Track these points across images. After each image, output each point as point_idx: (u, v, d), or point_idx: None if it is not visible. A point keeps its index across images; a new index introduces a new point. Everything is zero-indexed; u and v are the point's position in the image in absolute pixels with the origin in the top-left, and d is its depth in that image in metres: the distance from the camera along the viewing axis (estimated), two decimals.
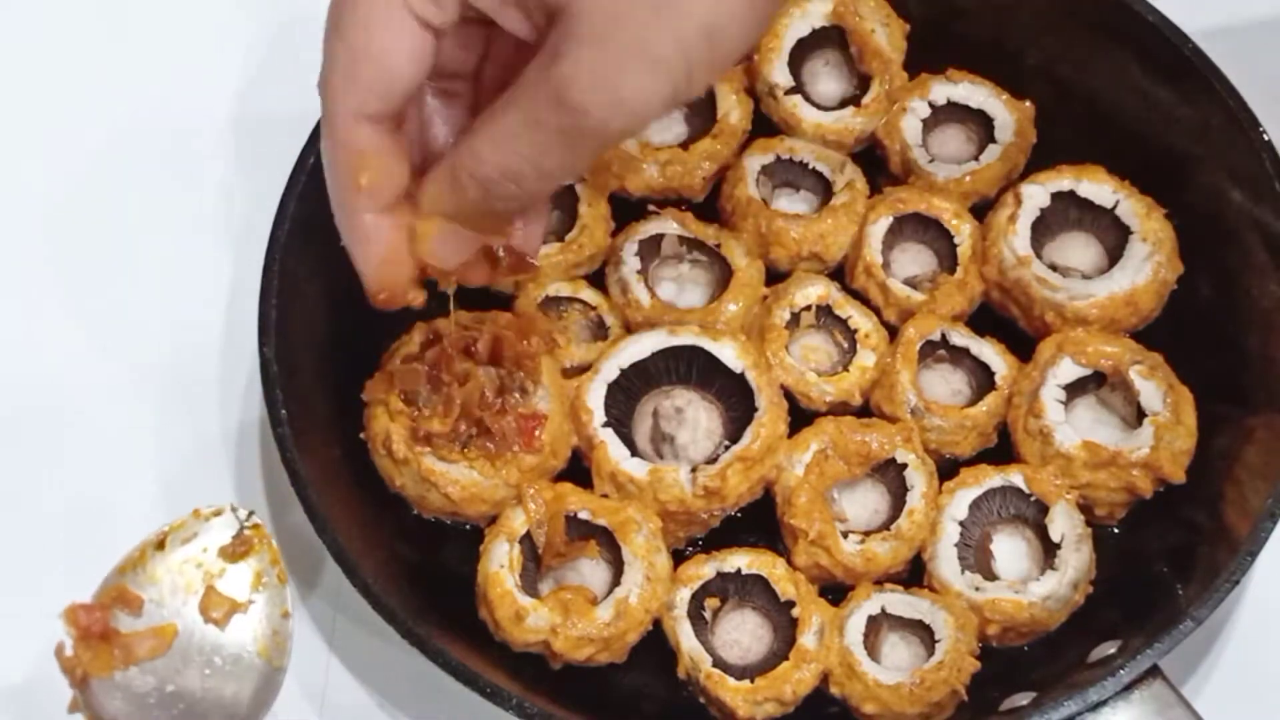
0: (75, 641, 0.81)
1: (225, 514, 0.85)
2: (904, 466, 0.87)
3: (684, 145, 0.97)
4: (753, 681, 0.82)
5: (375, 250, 0.74)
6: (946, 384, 0.92)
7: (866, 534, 0.86)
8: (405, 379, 0.86)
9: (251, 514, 0.84)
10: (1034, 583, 0.85)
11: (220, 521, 0.85)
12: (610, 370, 0.89)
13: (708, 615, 0.85)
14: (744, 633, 0.85)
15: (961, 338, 0.92)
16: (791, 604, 0.84)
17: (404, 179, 0.73)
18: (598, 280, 0.94)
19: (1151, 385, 0.88)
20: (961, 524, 0.87)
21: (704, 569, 0.85)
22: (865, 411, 0.91)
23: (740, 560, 0.85)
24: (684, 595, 0.84)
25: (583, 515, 0.85)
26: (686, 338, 0.89)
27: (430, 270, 0.76)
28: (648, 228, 0.94)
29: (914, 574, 0.87)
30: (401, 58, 0.69)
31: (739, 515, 0.88)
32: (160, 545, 0.84)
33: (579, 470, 0.88)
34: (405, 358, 0.87)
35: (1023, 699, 0.81)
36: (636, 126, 0.69)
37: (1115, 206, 0.93)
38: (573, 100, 0.67)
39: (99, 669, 0.81)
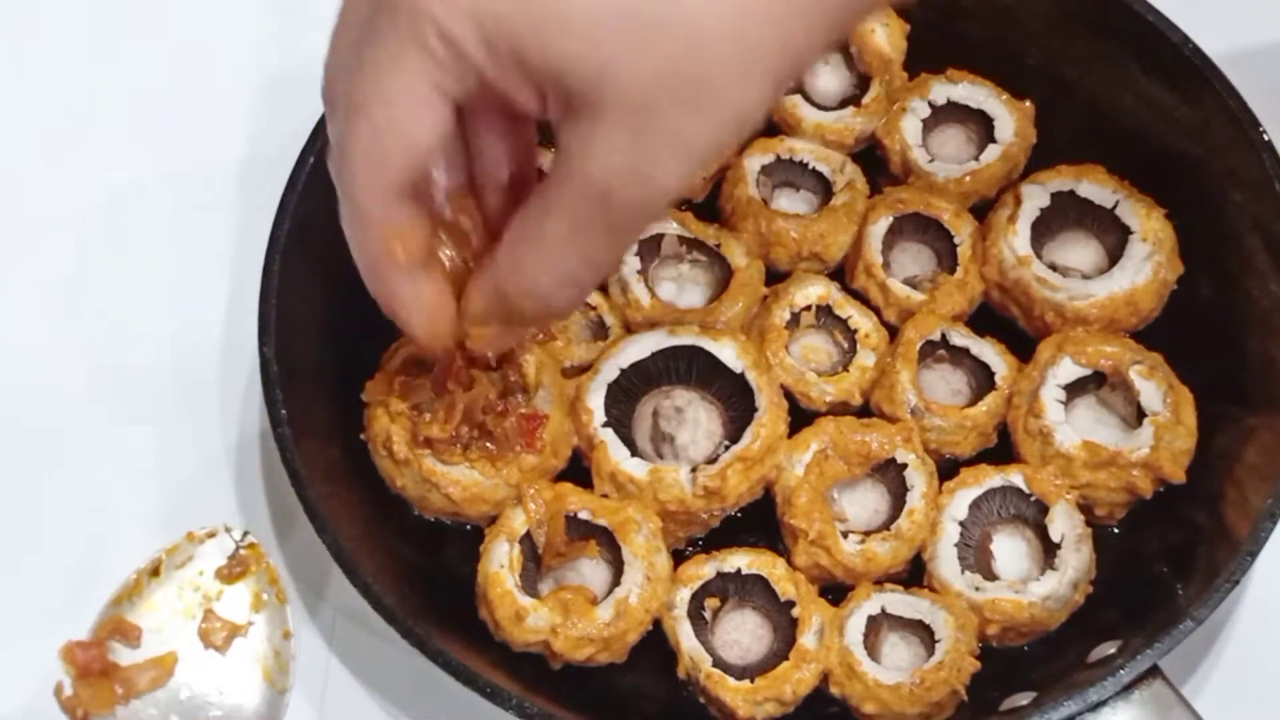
0: (74, 680, 0.81)
1: (219, 535, 0.84)
2: (904, 466, 0.87)
3: None
4: (753, 681, 0.82)
5: (423, 313, 0.74)
6: (946, 384, 0.92)
7: (866, 534, 0.86)
8: (411, 393, 0.85)
9: (246, 534, 0.84)
10: (1034, 583, 0.85)
11: (215, 543, 0.85)
12: (610, 370, 0.89)
13: (708, 615, 0.85)
14: (744, 633, 0.85)
15: (961, 338, 0.92)
16: (791, 604, 0.84)
17: (431, 241, 0.73)
18: None
19: (1151, 385, 0.88)
20: (961, 524, 0.87)
21: (704, 569, 0.85)
22: (865, 411, 0.91)
23: (740, 560, 0.85)
24: (684, 595, 0.84)
25: (583, 515, 0.85)
26: (686, 338, 0.89)
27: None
28: (648, 228, 0.94)
29: (914, 574, 0.87)
30: (426, 131, 0.68)
31: (739, 515, 0.88)
32: (155, 572, 0.84)
33: (579, 470, 0.88)
34: (405, 361, 0.87)
35: (1023, 699, 0.81)
36: (670, 203, 0.70)
37: (1115, 206, 0.93)
38: (616, 198, 0.67)
39: (100, 706, 0.81)
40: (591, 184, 0.67)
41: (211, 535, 0.85)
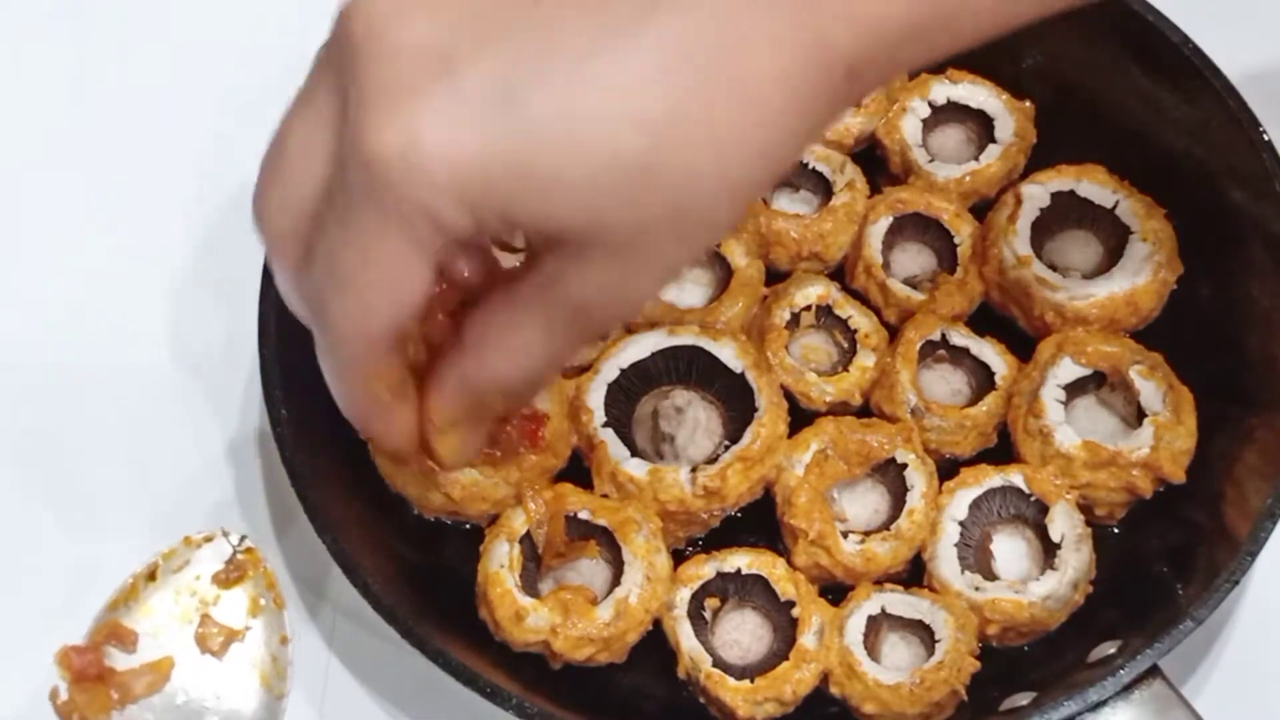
0: (70, 685, 0.80)
1: (216, 539, 0.84)
2: (904, 466, 0.87)
3: None
4: (753, 681, 0.82)
5: (400, 436, 0.73)
6: (946, 384, 0.92)
7: (866, 534, 0.86)
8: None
9: (244, 538, 0.84)
10: (1034, 583, 0.85)
11: (211, 547, 0.85)
12: (610, 370, 0.89)
13: (708, 615, 0.85)
14: (744, 633, 0.85)
15: (961, 338, 0.92)
16: (791, 604, 0.84)
17: (404, 365, 0.72)
18: None
19: (1151, 385, 0.88)
20: (961, 524, 0.87)
21: (704, 569, 0.85)
22: (865, 411, 0.91)
23: (740, 560, 0.85)
24: (684, 595, 0.84)
25: (583, 515, 0.85)
26: (686, 338, 0.89)
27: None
28: None
29: (914, 574, 0.87)
30: (412, 293, 0.66)
31: (739, 515, 0.88)
32: (151, 576, 0.84)
33: (579, 470, 0.88)
34: None
35: (1023, 699, 0.81)
36: (642, 310, 0.74)
37: (1115, 206, 0.93)
38: (592, 315, 0.67)
39: (96, 711, 0.80)
40: (570, 303, 0.67)
41: (209, 540, 0.85)
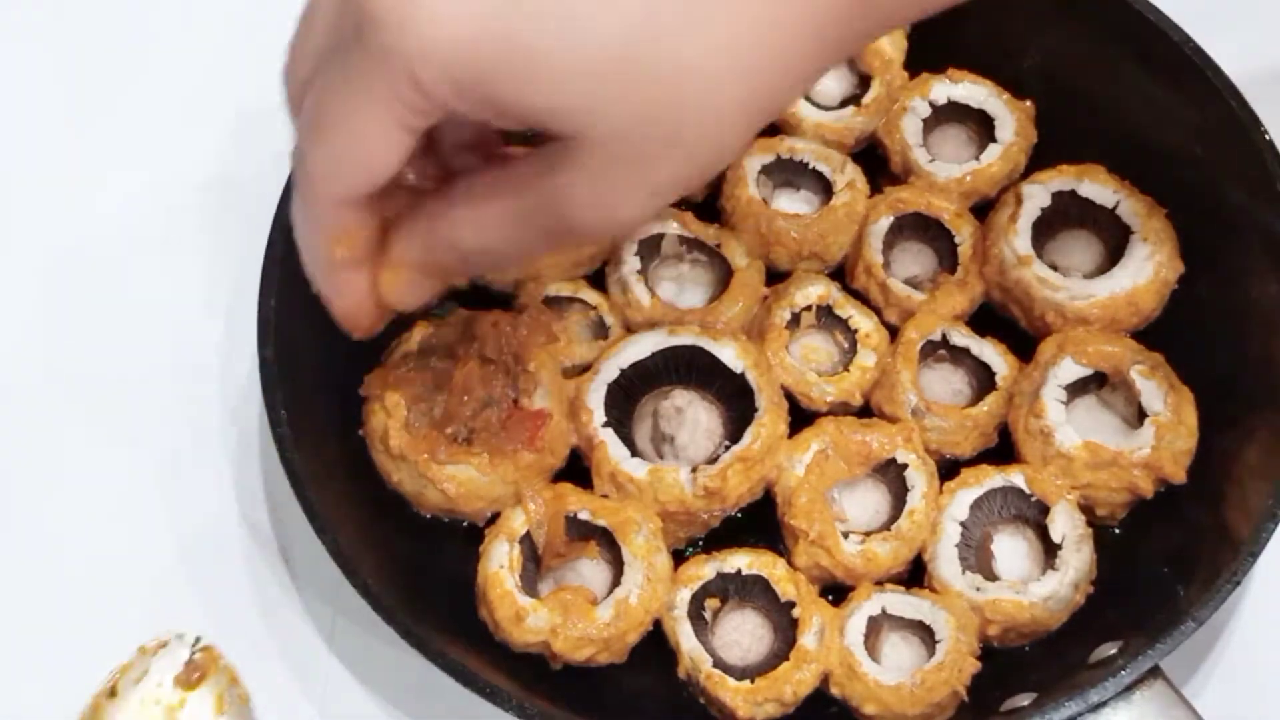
0: None
1: (171, 643, 0.84)
2: (904, 467, 0.87)
3: None
4: (753, 682, 0.82)
5: (347, 302, 0.76)
6: (947, 384, 0.92)
7: (867, 534, 0.86)
8: (409, 384, 0.86)
9: (199, 638, 0.84)
10: (1035, 583, 0.84)
11: (167, 652, 0.85)
12: (610, 370, 0.89)
13: (708, 615, 0.85)
14: (744, 633, 0.85)
15: (962, 338, 0.91)
16: (792, 604, 0.84)
17: (373, 239, 0.74)
18: (598, 280, 0.94)
19: (1152, 385, 0.88)
20: (962, 524, 0.86)
21: (704, 569, 0.85)
22: (866, 411, 0.91)
23: (740, 560, 0.85)
24: (684, 595, 0.84)
25: (583, 515, 0.85)
26: (686, 338, 0.89)
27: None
28: (648, 228, 0.94)
29: (914, 574, 0.87)
30: (385, 159, 0.69)
31: (739, 515, 0.88)
32: (112, 693, 0.84)
33: (579, 470, 0.88)
34: (405, 355, 0.87)
35: (1024, 699, 0.81)
36: (619, 234, 0.72)
37: (1116, 206, 0.93)
38: (569, 214, 0.68)
39: None
40: (550, 200, 0.68)
41: (163, 645, 0.85)
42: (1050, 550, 0.86)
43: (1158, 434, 0.86)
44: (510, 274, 0.92)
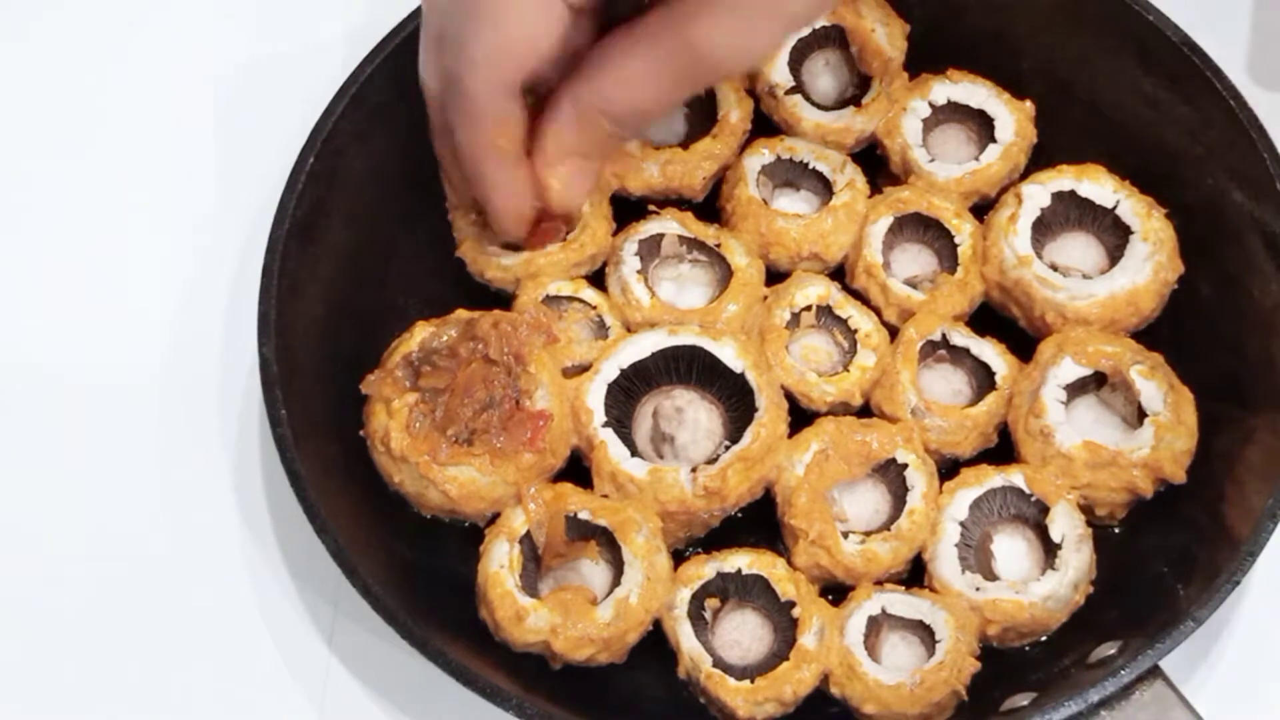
0: None
1: None
2: (904, 466, 0.87)
3: (684, 145, 0.97)
4: (753, 682, 0.82)
5: (507, 198, 0.81)
6: (947, 384, 0.92)
7: (867, 534, 0.86)
8: (406, 384, 0.86)
9: None
10: (1034, 583, 0.85)
11: None
12: (610, 370, 0.89)
13: (708, 615, 0.85)
14: (744, 633, 0.85)
15: (962, 338, 0.92)
16: (792, 604, 0.84)
17: (525, 132, 0.79)
18: (598, 280, 0.94)
19: (1152, 385, 0.88)
20: (962, 524, 0.87)
21: (704, 569, 0.85)
22: (866, 411, 0.91)
23: (740, 560, 0.85)
24: (684, 595, 0.84)
25: (583, 515, 0.85)
26: (686, 338, 0.89)
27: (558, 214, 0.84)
28: (648, 228, 0.94)
29: (914, 574, 0.87)
30: (546, 39, 0.74)
31: (739, 515, 0.88)
32: None
33: (579, 470, 0.88)
34: (404, 358, 0.87)
35: (1023, 699, 0.81)
36: (753, 66, 0.77)
37: (1116, 206, 0.93)
38: (706, 52, 0.72)
39: None
40: (691, 46, 0.72)
41: None
42: (1050, 550, 0.86)
43: (1157, 434, 0.86)
44: (512, 272, 0.93)
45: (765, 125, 0.99)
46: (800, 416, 0.90)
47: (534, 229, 0.88)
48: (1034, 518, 0.87)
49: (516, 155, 0.79)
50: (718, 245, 0.93)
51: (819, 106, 0.98)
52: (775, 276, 0.94)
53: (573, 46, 0.79)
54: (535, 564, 0.85)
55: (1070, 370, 0.89)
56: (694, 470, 0.86)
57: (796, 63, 0.99)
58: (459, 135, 0.79)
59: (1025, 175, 0.96)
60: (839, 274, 0.95)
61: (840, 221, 0.94)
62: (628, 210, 0.96)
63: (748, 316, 0.92)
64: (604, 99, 0.76)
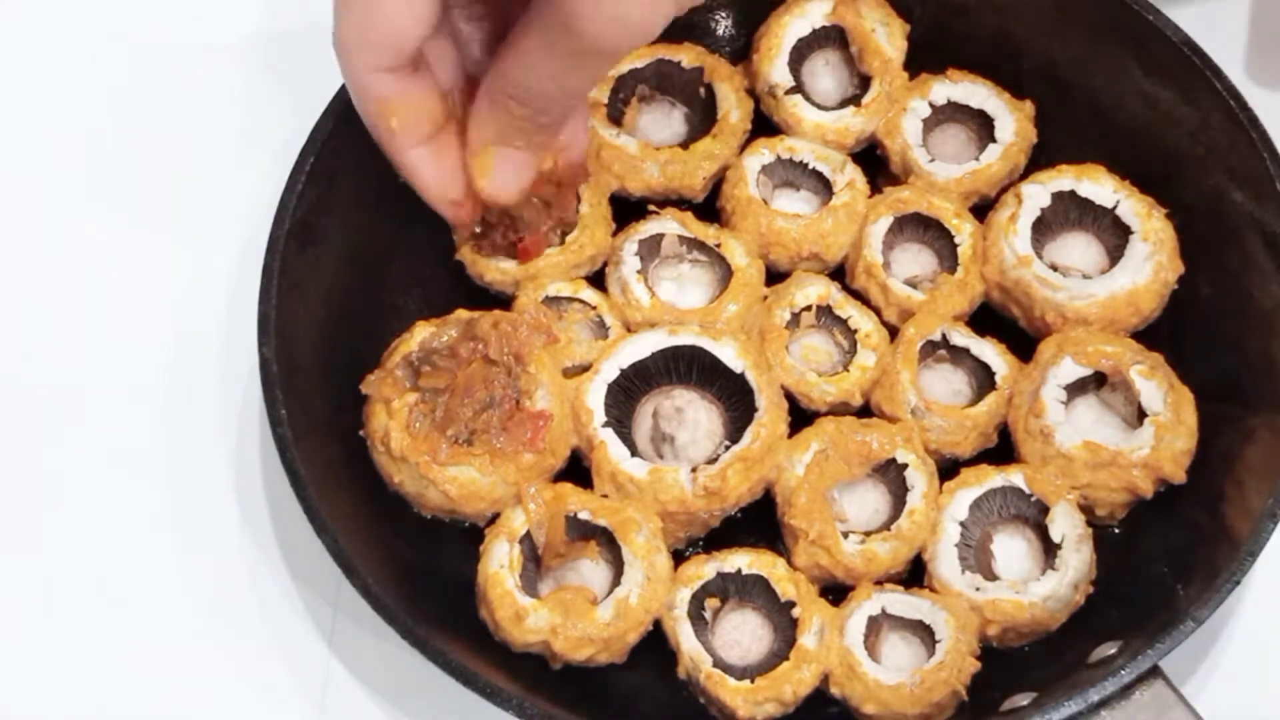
0: None
1: None
2: (904, 466, 0.87)
3: (684, 145, 0.97)
4: (753, 682, 0.82)
5: (427, 180, 0.80)
6: (947, 384, 0.92)
7: (867, 534, 0.86)
8: (454, 413, 0.86)
9: None
10: (1034, 583, 0.85)
11: None
12: (610, 370, 0.89)
13: (708, 615, 0.85)
14: (744, 633, 0.85)
15: (962, 338, 0.92)
16: (792, 604, 0.84)
17: (436, 112, 0.79)
18: (598, 280, 0.94)
19: (1152, 385, 0.88)
20: (962, 524, 0.87)
21: (704, 569, 0.85)
22: (866, 411, 0.91)
23: (740, 560, 0.85)
24: (684, 595, 0.84)
25: (583, 515, 0.85)
26: (686, 338, 0.89)
27: (492, 204, 0.82)
28: (648, 228, 0.94)
29: (914, 574, 0.87)
30: (408, 20, 0.74)
31: (739, 515, 0.88)
32: None
33: (579, 470, 0.88)
34: (405, 358, 0.87)
35: (1023, 699, 0.81)
36: (642, 41, 0.74)
37: (1116, 206, 0.93)
38: (579, 27, 0.71)
39: None
40: (566, 21, 0.72)
41: None
42: (1050, 550, 0.86)
43: (1157, 434, 0.86)
44: (512, 274, 0.93)
45: (765, 125, 0.99)
46: (800, 416, 0.90)
47: (522, 247, 0.88)
48: (1034, 518, 0.87)
49: (419, 137, 0.79)
50: (718, 245, 0.93)
51: (819, 106, 0.98)
52: (775, 276, 0.94)
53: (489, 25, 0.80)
54: (535, 564, 0.85)
55: (1070, 370, 0.89)
56: (694, 470, 0.86)
57: (796, 63, 0.99)
58: (364, 123, 0.79)
59: (1025, 175, 0.96)
60: (839, 274, 0.95)
61: (840, 221, 0.94)
62: (628, 210, 0.96)
63: (748, 316, 0.92)
64: (508, 83, 0.76)
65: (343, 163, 0.92)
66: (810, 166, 0.96)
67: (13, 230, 1.02)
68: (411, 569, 0.86)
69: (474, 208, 0.82)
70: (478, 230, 0.91)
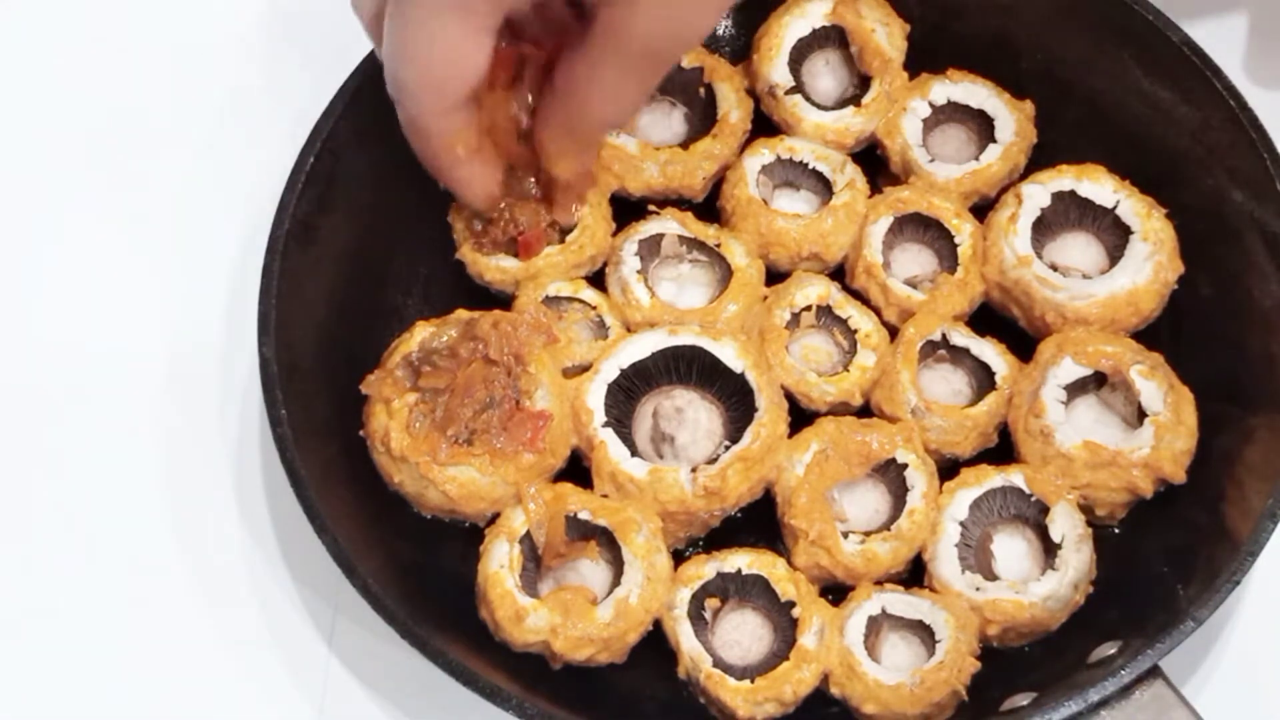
0: None
1: None
2: (904, 466, 0.87)
3: (684, 145, 0.97)
4: (753, 682, 0.82)
5: (471, 190, 0.86)
6: (947, 384, 0.92)
7: (867, 534, 0.86)
8: (453, 413, 0.86)
9: None
10: (1034, 583, 0.85)
11: None
12: (610, 370, 0.89)
13: (708, 615, 0.85)
14: (744, 633, 0.85)
15: (962, 338, 0.92)
16: (792, 604, 0.84)
17: (480, 126, 0.83)
18: (598, 280, 0.94)
19: (1152, 385, 0.88)
20: (962, 524, 0.86)
21: (704, 569, 0.85)
22: (866, 411, 0.91)
23: (740, 560, 0.85)
24: (684, 595, 0.84)
25: (583, 515, 0.85)
26: (686, 338, 0.89)
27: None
28: (648, 228, 0.94)
29: (914, 574, 0.87)
30: (474, 61, 0.77)
31: (739, 515, 0.88)
32: None
33: (579, 470, 0.88)
34: (404, 358, 0.87)
35: (1023, 699, 0.81)
36: (695, 43, 0.85)
37: (1116, 206, 0.93)
38: (656, 50, 0.77)
39: None
40: (635, 42, 0.77)
41: None
42: (1050, 550, 0.86)
43: (1157, 434, 0.86)
44: (512, 274, 0.93)
45: (765, 125, 0.99)
46: (800, 416, 0.90)
47: (523, 241, 0.91)
48: (1034, 518, 0.87)
49: (474, 152, 0.83)
50: (718, 245, 0.93)
51: (819, 106, 0.98)
52: (775, 276, 0.94)
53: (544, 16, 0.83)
54: (535, 564, 0.85)
55: (1070, 370, 0.89)
56: (694, 470, 0.86)
57: (796, 63, 0.99)
58: (417, 153, 0.83)
59: (1025, 175, 0.96)
60: (839, 274, 0.95)
61: (840, 221, 0.94)
62: (628, 210, 0.96)
63: (748, 316, 0.92)
64: (593, 117, 0.82)
65: (343, 163, 0.93)
66: (810, 166, 0.96)
67: (12, 230, 1.02)
68: (411, 569, 0.86)
69: (498, 197, 0.88)
70: (478, 227, 0.91)
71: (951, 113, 0.99)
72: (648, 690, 0.85)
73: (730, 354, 0.89)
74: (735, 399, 0.89)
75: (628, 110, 0.84)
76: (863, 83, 0.99)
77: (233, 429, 0.95)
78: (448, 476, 0.85)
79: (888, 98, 0.98)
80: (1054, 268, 0.92)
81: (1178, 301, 0.92)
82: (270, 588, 0.91)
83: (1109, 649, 0.82)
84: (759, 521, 0.88)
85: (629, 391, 0.89)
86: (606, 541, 0.85)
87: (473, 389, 0.86)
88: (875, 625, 0.84)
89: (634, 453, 0.87)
